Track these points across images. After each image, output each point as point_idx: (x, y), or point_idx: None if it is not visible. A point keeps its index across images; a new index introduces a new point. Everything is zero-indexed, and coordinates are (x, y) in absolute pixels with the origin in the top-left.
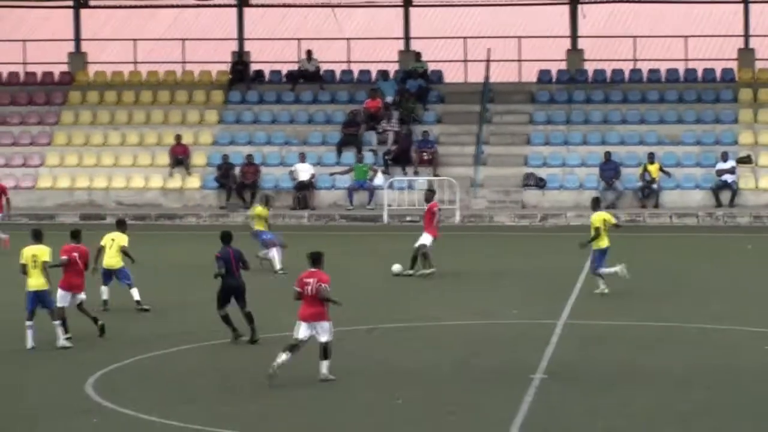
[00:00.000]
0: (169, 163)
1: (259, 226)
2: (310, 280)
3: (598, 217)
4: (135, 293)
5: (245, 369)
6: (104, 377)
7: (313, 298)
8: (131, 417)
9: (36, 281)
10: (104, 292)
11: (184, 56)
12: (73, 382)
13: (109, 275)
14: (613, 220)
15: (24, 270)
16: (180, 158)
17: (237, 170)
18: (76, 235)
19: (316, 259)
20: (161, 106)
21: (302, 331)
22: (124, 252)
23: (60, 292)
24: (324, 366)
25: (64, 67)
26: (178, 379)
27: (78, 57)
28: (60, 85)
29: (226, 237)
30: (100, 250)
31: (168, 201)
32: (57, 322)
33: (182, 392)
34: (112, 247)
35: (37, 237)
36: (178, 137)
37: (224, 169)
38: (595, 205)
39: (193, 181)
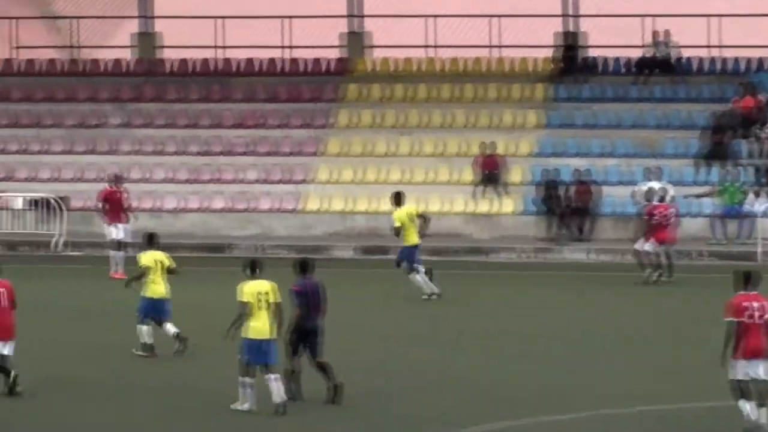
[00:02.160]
0: (475, 180)
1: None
2: (755, 304)
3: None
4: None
5: None
6: None
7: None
8: None
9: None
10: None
11: (498, 38)
12: None
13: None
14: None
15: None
16: (490, 174)
17: (564, 190)
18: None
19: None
20: (465, 105)
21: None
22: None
23: None
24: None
25: (338, 52)
26: None
27: (356, 38)
28: (332, 75)
29: (304, 266)
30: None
31: (474, 230)
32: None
33: None
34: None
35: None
36: (488, 146)
37: (548, 188)
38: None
39: (508, 204)
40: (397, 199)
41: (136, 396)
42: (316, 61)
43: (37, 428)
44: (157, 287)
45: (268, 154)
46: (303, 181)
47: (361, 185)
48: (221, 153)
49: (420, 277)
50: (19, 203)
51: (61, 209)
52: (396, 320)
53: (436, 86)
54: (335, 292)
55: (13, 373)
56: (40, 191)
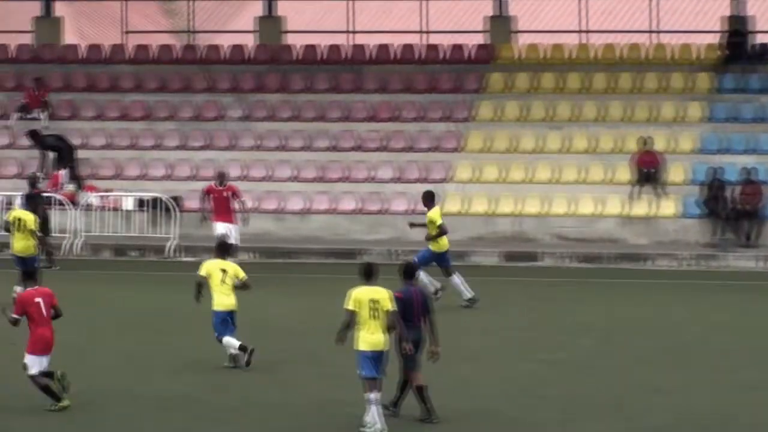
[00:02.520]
0: (632, 179)
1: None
2: None
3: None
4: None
5: None
6: None
7: None
8: None
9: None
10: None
11: (657, 23)
12: None
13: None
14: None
15: None
16: (648, 172)
17: (731, 191)
18: None
19: None
20: (621, 96)
21: None
22: (243, 285)
23: None
24: None
25: (481, 38)
26: None
27: (501, 23)
28: (475, 63)
29: (408, 271)
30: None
31: (630, 234)
32: None
33: None
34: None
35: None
36: (646, 141)
37: (712, 188)
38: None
39: (668, 206)
40: (431, 198)
41: (259, 414)
42: (457, 47)
43: None
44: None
45: (404, 150)
46: (442, 180)
47: (506, 185)
48: (352, 149)
49: (426, 277)
50: (128, 204)
51: (174, 211)
52: (549, 336)
53: (588, 76)
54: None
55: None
56: (152, 191)
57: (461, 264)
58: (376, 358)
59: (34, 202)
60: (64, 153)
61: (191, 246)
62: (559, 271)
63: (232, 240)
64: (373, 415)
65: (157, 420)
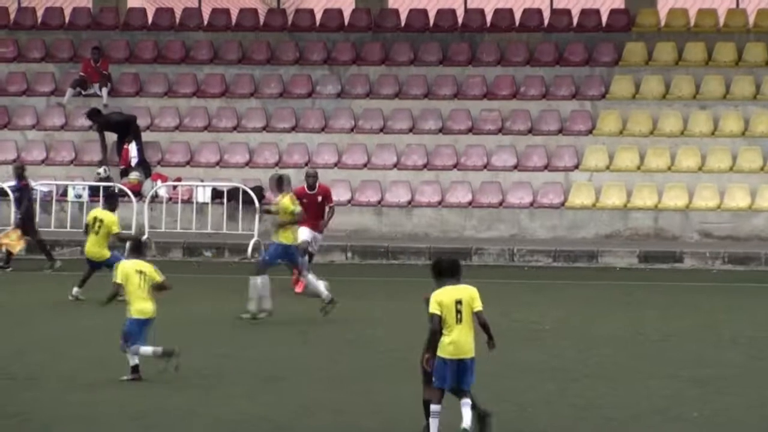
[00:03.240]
0: None
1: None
2: None
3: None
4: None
5: None
6: None
7: None
8: None
9: None
10: None
11: None
12: None
13: None
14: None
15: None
16: None
17: None
18: None
19: None
20: None
21: None
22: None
23: None
24: None
25: (617, 2)
26: None
27: None
28: (610, 32)
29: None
30: None
31: None
32: None
33: None
34: None
35: None
36: None
37: None
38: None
39: None
40: (281, 183)
41: None
42: (589, 12)
43: None
44: None
45: (525, 132)
46: (570, 169)
47: (645, 173)
48: (465, 131)
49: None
50: (202, 195)
51: (256, 203)
52: (690, 349)
53: (743, 46)
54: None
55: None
56: (230, 180)
57: (591, 266)
58: (455, 367)
59: (114, 200)
60: (130, 133)
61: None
62: (705, 274)
63: (314, 249)
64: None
65: None
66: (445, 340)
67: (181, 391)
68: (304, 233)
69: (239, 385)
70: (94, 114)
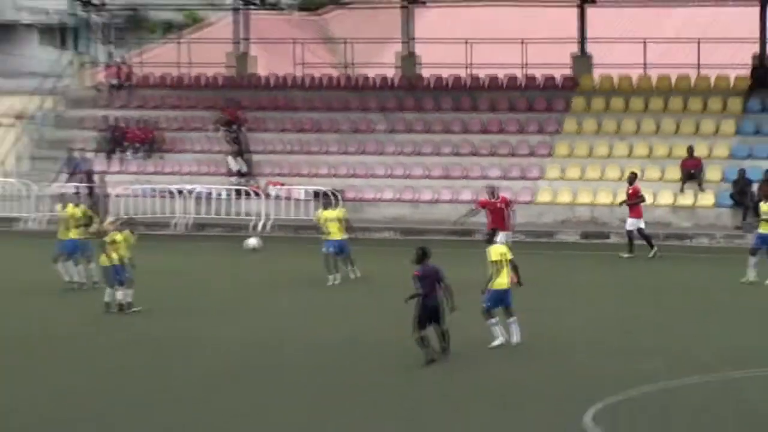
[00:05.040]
0: (680, 177)
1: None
2: None
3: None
4: None
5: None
6: (606, 409)
7: None
8: None
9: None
10: None
11: (698, 59)
12: (570, 411)
13: None
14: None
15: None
16: (692, 172)
17: (755, 187)
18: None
19: None
20: (672, 115)
21: None
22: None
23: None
24: None
25: (567, 71)
26: (690, 415)
27: (583, 60)
28: (562, 90)
29: (424, 255)
30: None
31: (678, 219)
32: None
33: (693, 429)
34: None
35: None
36: (691, 149)
37: (741, 185)
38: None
39: (707, 198)
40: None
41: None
42: (549, 78)
43: None
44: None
45: (508, 155)
46: (536, 178)
47: (584, 182)
48: (469, 154)
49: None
50: (302, 194)
51: (336, 199)
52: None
53: (648, 99)
54: (560, 271)
55: None
56: (320, 185)
57: (550, 241)
58: (502, 295)
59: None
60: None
61: (354, 224)
62: (623, 246)
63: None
64: (497, 333)
65: None
66: (496, 279)
67: None
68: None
69: None
70: (230, 135)
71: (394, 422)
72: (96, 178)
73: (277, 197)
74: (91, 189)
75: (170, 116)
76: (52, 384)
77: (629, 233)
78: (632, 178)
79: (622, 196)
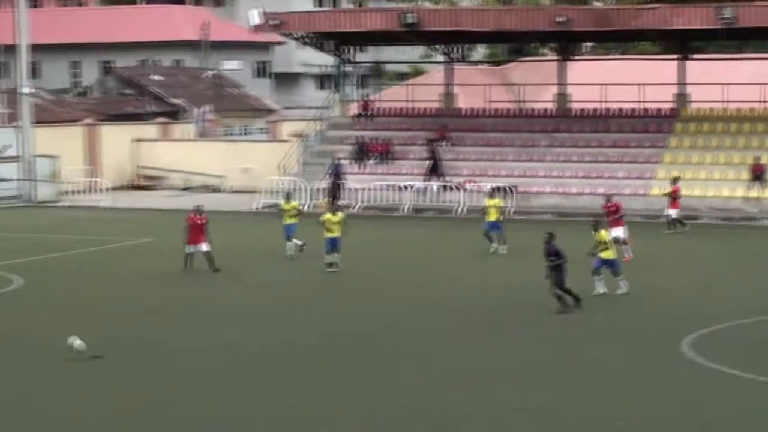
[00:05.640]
0: (749, 178)
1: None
2: None
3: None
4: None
5: None
6: (699, 339)
7: None
8: (722, 372)
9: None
10: None
11: (762, 96)
12: (669, 341)
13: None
14: None
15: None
16: (757, 174)
17: None
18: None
19: None
20: (745, 135)
21: None
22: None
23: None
24: None
25: (672, 105)
26: (761, 342)
27: (682, 97)
28: (668, 118)
29: (551, 236)
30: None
31: (748, 207)
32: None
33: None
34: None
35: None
36: (757, 158)
37: None
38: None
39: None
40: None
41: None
42: (659, 110)
43: None
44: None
45: (630, 162)
46: (649, 178)
47: (683, 181)
48: (603, 162)
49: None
50: (487, 188)
51: (512, 192)
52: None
53: (728, 124)
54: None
55: None
56: (500, 183)
57: (654, 222)
58: (609, 262)
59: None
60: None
61: (523, 210)
62: (710, 225)
63: (623, 236)
64: (599, 285)
65: None
66: (603, 253)
67: None
68: (617, 232)
69: None
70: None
71: (543, 344)
72: (343, 177)
73: (471, 191)
74: (334, 184)
75: (399, 135)
76: None
77: (673, 219)
78: (675, 179)
79: (711, 192)
